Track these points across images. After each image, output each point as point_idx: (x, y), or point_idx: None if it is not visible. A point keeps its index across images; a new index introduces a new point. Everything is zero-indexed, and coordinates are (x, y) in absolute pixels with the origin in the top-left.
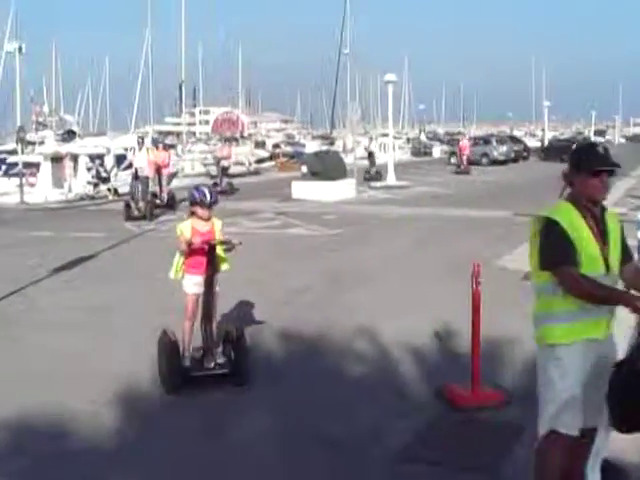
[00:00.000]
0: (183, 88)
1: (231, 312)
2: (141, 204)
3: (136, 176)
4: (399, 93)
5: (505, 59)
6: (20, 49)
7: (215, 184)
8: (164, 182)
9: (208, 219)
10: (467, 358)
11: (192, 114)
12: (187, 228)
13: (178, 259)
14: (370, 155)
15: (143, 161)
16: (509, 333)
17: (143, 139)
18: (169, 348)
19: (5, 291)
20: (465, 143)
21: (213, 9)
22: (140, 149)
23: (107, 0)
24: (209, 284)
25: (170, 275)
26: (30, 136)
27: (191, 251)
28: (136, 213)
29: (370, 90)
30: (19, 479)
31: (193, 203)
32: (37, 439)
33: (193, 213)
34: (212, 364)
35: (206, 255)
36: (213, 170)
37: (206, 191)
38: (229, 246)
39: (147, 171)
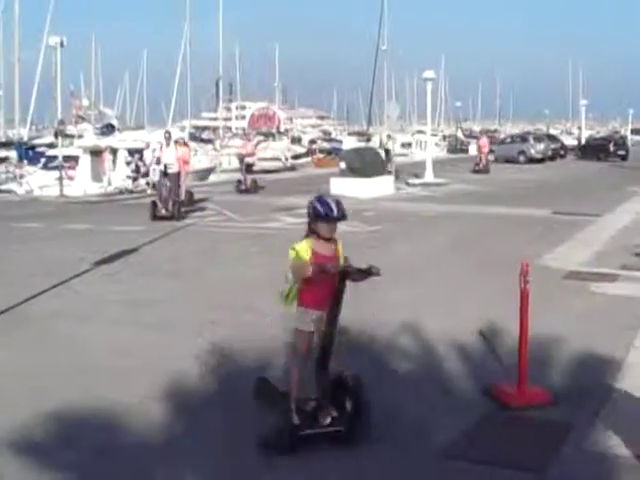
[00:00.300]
0: (220, 83)
1: (277, 308)
2: (169, 203)
3: (165, 173)
4: (435, 90)
5: (542, 57)
6: (62, 43)
7: (239, 181)
8: (182, 179)
9: (330, 239)
10: (512, 356)
11: (228, 109)
12: (305, 250)
13: (291, 287)
14: (386, 153)
15: (172, 157)
16: (553, 332)
17: (170, 133)
18: (275, 400)
19: (48, 284)
20: (484, 141)
21: (250, 4)
22: (168, 144)
23: None
24: (333, 321)
25: (282, 304)
26: (69, 129)
27: (312, 279)
28: (163, 212)
29: (407, 87)
30: (70, 472)
31: (316, 218)
32: (87, 433)
33: (312, 231)
34: (328, 419)
35: (334, 285)
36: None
37: (332, 203)
38: (363, 275)
39: (176, 167)
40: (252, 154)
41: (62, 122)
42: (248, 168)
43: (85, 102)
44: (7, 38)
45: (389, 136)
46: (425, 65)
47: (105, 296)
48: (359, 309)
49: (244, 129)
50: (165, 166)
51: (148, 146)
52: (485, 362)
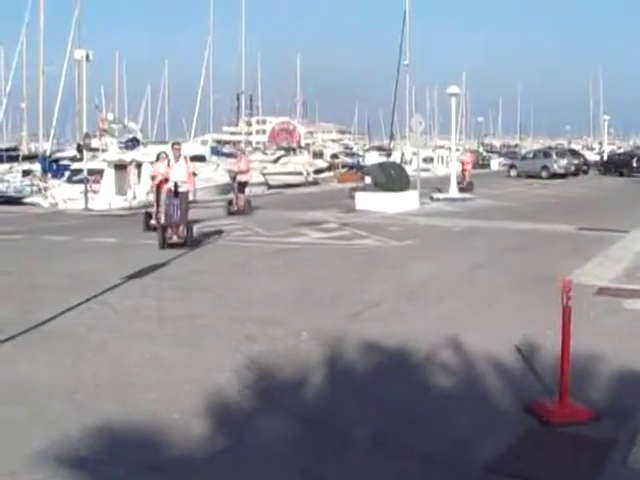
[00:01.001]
0: (242, 98)
1: (310, 323)
2: (181, 228)
3: (175, 192)
4: (456, 105)
5: (563, 72)
6: (87, 57)
7: (230, 202)
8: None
9: None
10: (549, 372)
11: (249, 123)
12: None
13: None
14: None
15: (182, 173)
16: (590, 348)
17: (180, 145)
18: None
19: (80, 297)
20: (467, 157)
21: (271, 17)
22: (177, 158)
23: (168, 6)
24: None
25: None
26: (93, 143)
27: None
28: (175, 239)
29: (427, 102)
30: None
31: None
32: (132, 448)
33: None
34: None
35: None
36: (273, 180)
37: None
38: None
39: (187, 186)
40: (246, 171)
41: (88, 135)
42: (241, 187)
43: (110, 116)
44: (32, 51)
45: (365, 151)
46: (445, 80)
47: (138, 310)
48: (396, 323)
49: (264, 143)
50: (176, 184)
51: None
52: (523, 378)
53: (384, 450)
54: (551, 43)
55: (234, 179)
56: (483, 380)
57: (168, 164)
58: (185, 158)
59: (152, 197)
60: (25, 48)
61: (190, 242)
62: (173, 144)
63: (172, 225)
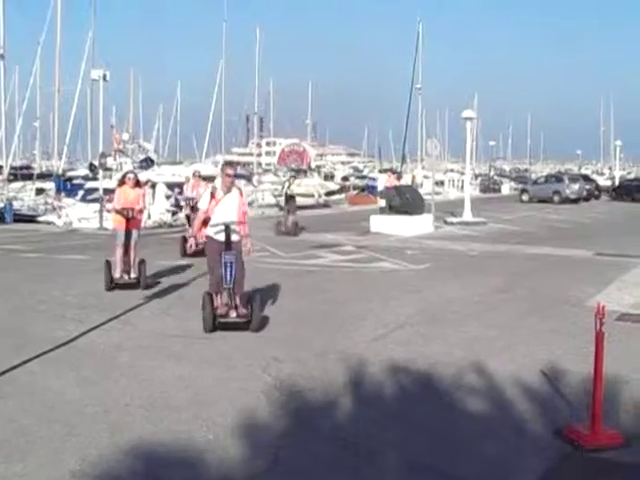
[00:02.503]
0: (255, 119)
1: (334, 346)
2: (239, 299)
3: (228, 243)
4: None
5: (574, 97)
6: (104, 77)
7: (185, 238)
8: (132, 242)
9: None
10: (577, 396)
11: (258, 145)
12: None
13: None
14: (289, 200)
15: (235, 212)
16: (616, 373)
17: (233, 168)
18: None
19: (103, 317)
20: (392, 180)
21: (286, 44)
22: (228, 188)
23: (182, 28)
24: None
25: None
26: (108, 162)
27: None
28: (233, 316)
29: (437, 125)
30: None
31: None
32: (171, 468)
33: None
34: None
35: None
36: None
37: None
38: None
39: (243, 230)
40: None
41: (104, 155)
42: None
43: (125, 136)
44: (46, 70)
45: (294, 176)
46: (456, 103)
47: (163, 330)
48: (423, 347)
49: (273, 165)
50: (227, 230)
51: (188, 180)
52: (551, 402)
53: (417, 473)
54: (562, 67)
55: (192, 207)
56: (511, 404)
57: (212, 197)
58: (240, 189)
59: (118, 238)
60: (39, 67)
61: (256, 322)
62: (224, 165)
63: (223, 293)
